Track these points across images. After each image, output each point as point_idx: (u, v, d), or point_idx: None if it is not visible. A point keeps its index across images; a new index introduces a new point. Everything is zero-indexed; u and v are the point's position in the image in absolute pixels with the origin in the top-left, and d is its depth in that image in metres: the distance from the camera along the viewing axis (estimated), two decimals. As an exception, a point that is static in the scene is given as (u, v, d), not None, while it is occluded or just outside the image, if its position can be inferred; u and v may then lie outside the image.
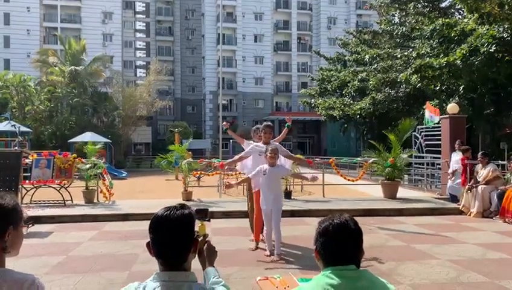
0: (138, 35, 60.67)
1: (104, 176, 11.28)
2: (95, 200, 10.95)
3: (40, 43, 49.76)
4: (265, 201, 5.95)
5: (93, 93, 36.42)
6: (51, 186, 10.48)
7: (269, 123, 6.87)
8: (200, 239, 1.89)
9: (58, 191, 10.31)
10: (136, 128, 41.38)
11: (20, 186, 9.69)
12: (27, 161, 11.14)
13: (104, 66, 39.02)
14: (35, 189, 10.43)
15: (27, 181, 10.64)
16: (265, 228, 6.07)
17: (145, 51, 60.33)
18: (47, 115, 34.61)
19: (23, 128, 26.18)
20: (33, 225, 8.33)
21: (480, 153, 10.02)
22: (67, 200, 10.26)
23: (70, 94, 34.43)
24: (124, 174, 25.48)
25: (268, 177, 5.91)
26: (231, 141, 34.91)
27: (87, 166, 11.08)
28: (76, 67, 34.66)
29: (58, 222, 8.68)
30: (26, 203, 9.96)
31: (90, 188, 11.00)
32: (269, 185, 5.93)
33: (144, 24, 60.55)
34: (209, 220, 2.01)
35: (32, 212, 8.87)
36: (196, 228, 1.72)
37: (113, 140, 33.13)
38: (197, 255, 1.89)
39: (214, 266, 1.88)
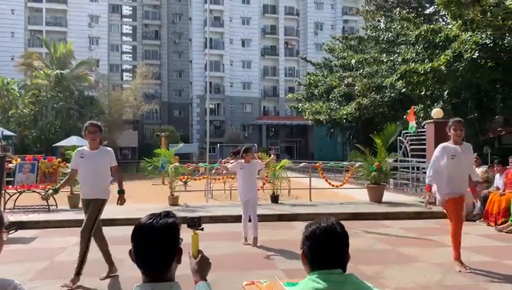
0: (125, 38, 60.35)
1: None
2: (80, 205, 10.80)
3: (24, 46, 49.19)
4: (243, 193, 6.87)
5: (79, 97, 36.05)
6: (35, 191, 10.33)
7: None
8: (191, 254, 1.80)
9: (43, 196, 10.15)
10: (122, 132, 41.05)
11: (3, 191, 9.52)
12: (10, 165, 10.95)
13: (90, 69, 38.68)
14: (18, 194, 10.27)
15: (10, 186, 10.46)
16: (242, 216, 6.89)
17: (131, 55, 60.02)
18: (31, 119, 34.13)
19: (7, 132, 25.71)
20: (16, 230, 8.18)
21: (475, 154, 10.23)
22: (52, 205, 10.12)
23: (56, 98, 34.04)
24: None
25: (244, 173, 6.83)
26: (218, 145, 34.85)
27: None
28: (62, 71, 34.28)
29: (42, 227, 8.54)
30: (9, 209, 9.80)
31: (75, 193, 10.86)
32: (246, 179, 6.85)
33: (131, 28, 60.29)
34: (202, 229, 1.92)
35: (15, 217, 8.73)
36: (184, 236, 1.66)
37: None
38: (189, 266, 1.79)
39: (206, 280, 1.75)
